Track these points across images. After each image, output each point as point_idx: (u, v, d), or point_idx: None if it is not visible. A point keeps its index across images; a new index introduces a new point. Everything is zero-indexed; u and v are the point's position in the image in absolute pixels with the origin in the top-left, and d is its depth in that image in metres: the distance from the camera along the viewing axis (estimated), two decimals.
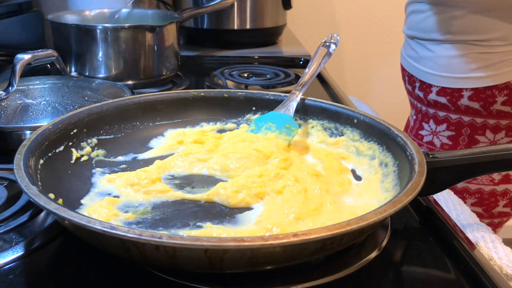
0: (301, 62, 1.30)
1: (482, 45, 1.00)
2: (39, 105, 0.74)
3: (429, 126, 1.11)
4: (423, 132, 1.13)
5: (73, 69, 0.98)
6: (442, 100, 1.06)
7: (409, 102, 1.23)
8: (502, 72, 1.00)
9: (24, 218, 0.51)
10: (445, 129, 1.08)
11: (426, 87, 1.09)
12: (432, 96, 1.08)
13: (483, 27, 0.99)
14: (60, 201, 0.48)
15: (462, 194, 1.09)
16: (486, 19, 0.99)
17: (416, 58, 1.12)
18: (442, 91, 1.06)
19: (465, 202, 1.04)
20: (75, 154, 0.58)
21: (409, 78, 1.17)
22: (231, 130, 0.72)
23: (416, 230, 0.53)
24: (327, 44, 0.76)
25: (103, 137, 0.63)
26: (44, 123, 0.57)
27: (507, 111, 1.02)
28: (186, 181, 0.58)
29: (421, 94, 1.11)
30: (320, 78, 1.13)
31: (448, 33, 1.04)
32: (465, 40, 1.02)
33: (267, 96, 0.72)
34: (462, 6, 1.00)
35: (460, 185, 1.09)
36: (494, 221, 1.14)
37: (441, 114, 1.08)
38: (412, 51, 1.14)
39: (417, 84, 1.12)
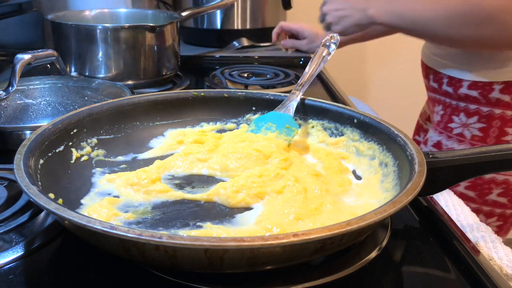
0: (301, 62, 1.30)
1: None
2: (39, 105, 0.74)
3: (459, 119, 1.10)
4: (452, 125, 1.12)
5: (73, 69, 0.98)
6: (473, 93, 1.06)
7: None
8: None
9: (24, 218, 0.51)
10: (476, 121, 1.08)
11: (455, 82, 1.09)
12: (463, 90, 1.07)
13: None
14: (60, 201, 0.48)
15: None
16: None
17: (443, 55, 1.12)
18: (473, 85, 1.05)
19: (458, 185, 1.03)
20: (75, 154, 0.58)
21: (434, 76, 1.16)
22: (231, 130, 0.72)
23: (416, 230, 0.53)
24: (327, 44, 0.76)
25: (103, 137, 0.63)
26: (44, 123, 0.57)
27: None
28: (186, 181, 0.58)
29: (450, 90, 1.11)
30: (320, 78, 1.13)
31: None
32: None
33: (267, 96, 0.72)
34: None
35: None
36: (483, 208, 1.11)
37: (472, 107, 1.07)
38: (438, 49, 1.14)
39: (445, 80, 1.12)
